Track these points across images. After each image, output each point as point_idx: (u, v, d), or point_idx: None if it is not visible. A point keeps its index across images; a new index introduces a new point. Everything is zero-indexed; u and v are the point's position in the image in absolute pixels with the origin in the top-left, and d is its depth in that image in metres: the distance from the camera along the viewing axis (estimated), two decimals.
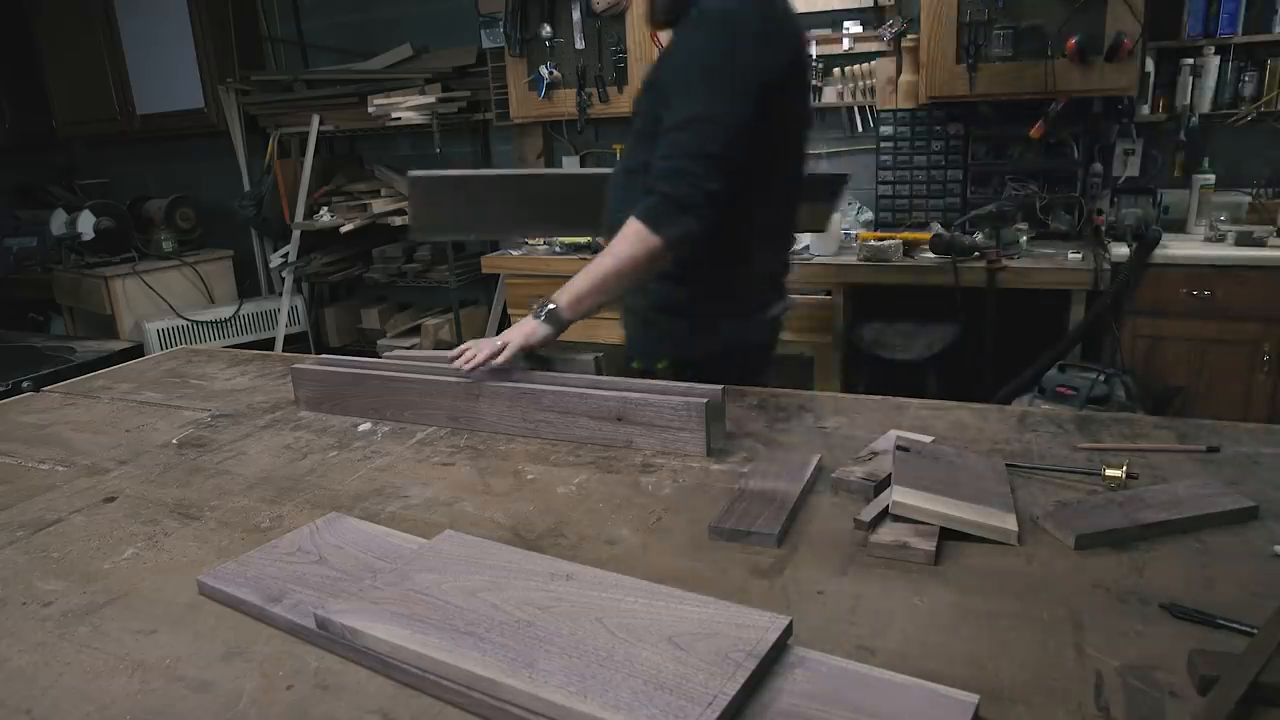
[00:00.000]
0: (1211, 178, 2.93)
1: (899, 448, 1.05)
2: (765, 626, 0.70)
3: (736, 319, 1.56)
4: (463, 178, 2.05)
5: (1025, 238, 2.89)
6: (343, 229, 3.85)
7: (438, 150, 3.73)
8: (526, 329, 1.36)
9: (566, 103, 3.52)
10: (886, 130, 3.30)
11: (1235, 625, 0.72)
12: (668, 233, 1.34)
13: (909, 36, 3.14)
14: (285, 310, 4.24)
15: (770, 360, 1.69)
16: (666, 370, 1.52)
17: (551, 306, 1.36)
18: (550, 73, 3.49)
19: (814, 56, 3.35)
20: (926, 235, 2.91)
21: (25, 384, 1.75)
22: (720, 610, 0.73)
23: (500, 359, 1.32)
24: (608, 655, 0.67)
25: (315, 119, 3.94)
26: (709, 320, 1.54)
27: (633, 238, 1.36)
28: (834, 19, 3.35)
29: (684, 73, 1.39)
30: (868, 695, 0.64)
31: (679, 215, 1.34)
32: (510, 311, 3.42)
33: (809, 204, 1.80)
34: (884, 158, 3.33)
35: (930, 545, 0.88)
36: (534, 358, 1.38)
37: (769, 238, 1.60)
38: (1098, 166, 3.06)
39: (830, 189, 2.24)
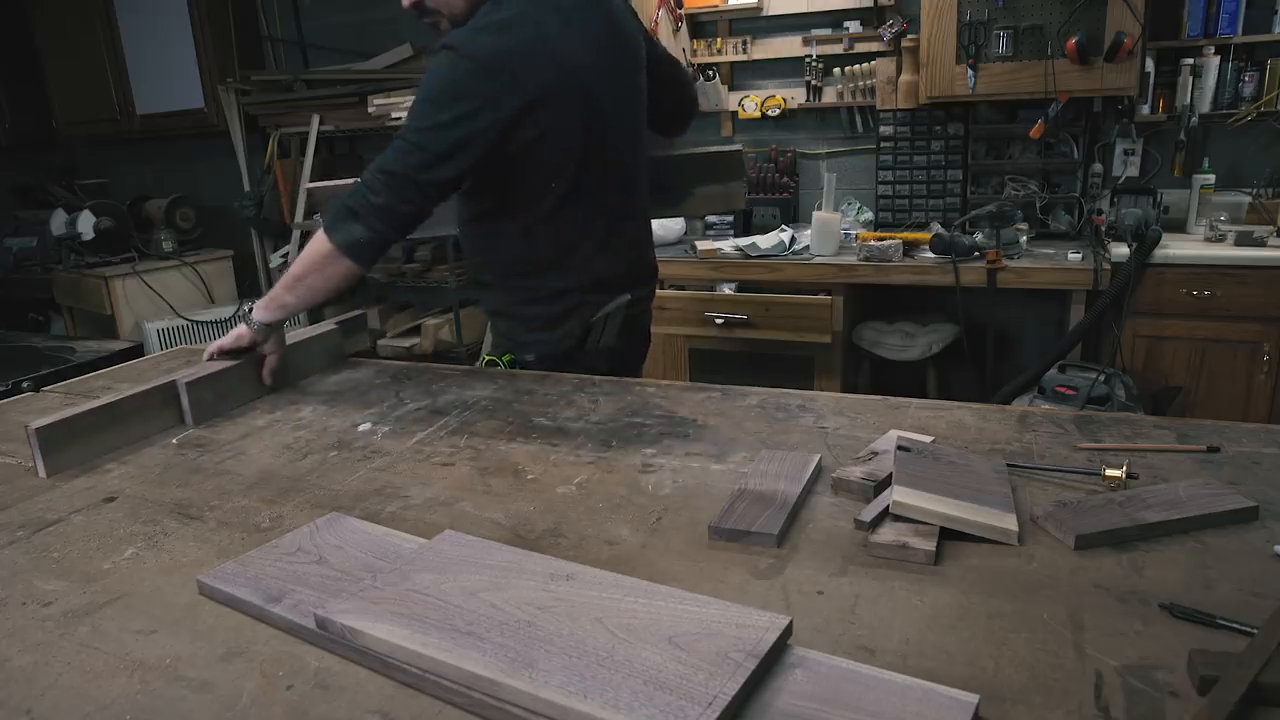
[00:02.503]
0: (1211, 178, 2.94)
1: (900, 448, 1.05)
2: (765, 627, 0.70)
3: (560, 321, 1.64)
4: None
5: (1025, 238, 2.90)
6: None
7: None
8: (233, 333, 1.51)
9: None
10: (886, 130, 3.30)
11: (1235, 625, 0.72)
12: (335, 237, 1.41)
13: (909, 36, 3.14)
14: None
15: (626, 354, 1.79)
16: (510, 364, 1.66)
17: (247, 310, 1.45)
18: None
19: (814, 55, 3.35)
20: (926, 235, 2.91)
21: (25, 384, 1.75)
22: (720, 610, 0.73)
23: (204, 357, 1.50)
24: (608, 655, 0.67)
25: (315, 119, 3.94)
26: (533, 322, 1.65)
27: (316, 239, 1.44)
28: (834, 19, 3.36)
29: (417, 99, 1.45)
30: (868, 695, 0.64)
31: (346, 221, 1.41)
32: None
33: (719, 185, 1.82)
34: (884, 158, 3.34)
35: (930, 545, 0.88)
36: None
37: (588, 241, 1.63)
38: (1098, 166, 3.07)
39: (731, 166, 2.23)
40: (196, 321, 4.17)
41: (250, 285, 4.63)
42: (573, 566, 0.82)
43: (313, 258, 1.44)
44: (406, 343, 4.06)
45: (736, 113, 3.57)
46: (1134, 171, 3.07)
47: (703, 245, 3.10)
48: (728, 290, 3.05)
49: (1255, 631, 0.71)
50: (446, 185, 1.44)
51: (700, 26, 3.58)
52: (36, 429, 1.19)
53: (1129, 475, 1.00)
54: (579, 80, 1.50)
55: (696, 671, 0.65)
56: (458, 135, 1.40)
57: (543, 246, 1.61)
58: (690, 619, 0.72)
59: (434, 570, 0.81)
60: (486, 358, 1.69)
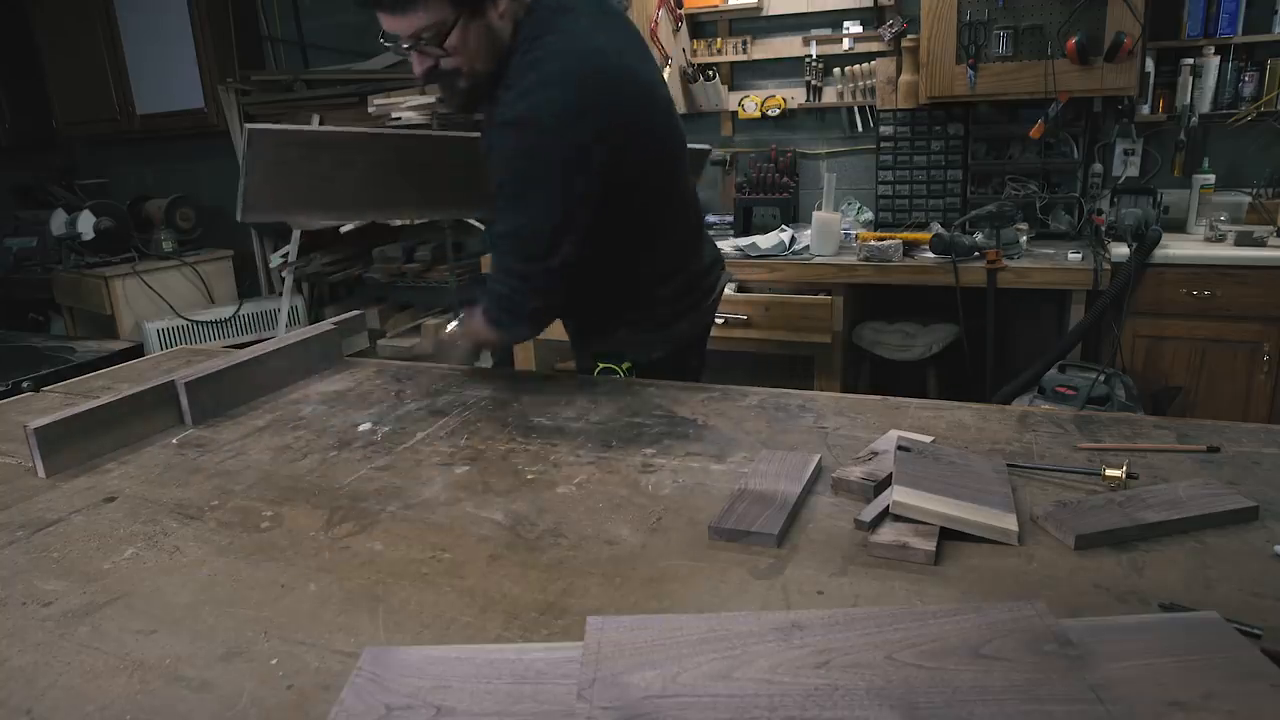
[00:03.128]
0: (1211, 178, 2.94)
1: (900, 448, 1.05)
2: (1023, 611, 0.70)
3: (691, 309, 1.66)
4: (320, 135, 1.60)
5: (1025, 238, 2.90)
6: (343, 229, 3.85)
7: None
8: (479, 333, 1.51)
9: None
10: (886, 130, 3.30)
11: (1237, 626, 0.72)
12: (505, 335, 1.54)
13: (909, 36, 3.14)
14: (285, 310, 4.24)
15: (708, 332, 1.82)
16: (630, 371, 1.62)
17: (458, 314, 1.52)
18: None
19: (814, 55, 3.36)
20: (926, 235, 2.91)
21: (25, 384, 1.75)
22: (975, 610, 0.71)
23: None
24: (957, 687, 0.63)
25: (315, 119, 3.94)
26: (662, 320, 1.62)
27: (485, 328, 1.48)
28: (834, 19, 3.35)
29: (502, 185, 1.32)
30: None
31: (512, 325, 1.48)
32: None
33: None
34: (884, 158, 3.34)
35: (930, 545, 0.88)
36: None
37: (683, 245, 1.65)
38: (1098, 166, 3.07)
39: (695, 164, 2.21)
40: (196, 321, 4.17)
41: (250, 285, 4.63)
42: (792, 615, 0.74)
43: (486, 340, 1.57)
44: (406, 343, 4.06)
45: (736, 113, 3.57)
46: (1134, 171, 3.07)
47: None
48: (728, 290, 3.05)
49: (1258, 632, 0.71)
50: (576, 258, 1.37)
51: (700, 26, 3.58)
52: (36, 429, 1.19)
53: (1129, 475, 1.00)
54: (636, 81, 1.41)
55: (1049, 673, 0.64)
56: (568, 207, 1.31)
57: (663, 257, 1.58)
58: (968, 625, 0.69)
59: (648, 667, 0.67)
60: (601, 365, 1.63)
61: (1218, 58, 2.87)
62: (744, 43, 3.47)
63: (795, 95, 3.47)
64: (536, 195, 1.29)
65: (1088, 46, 2.72)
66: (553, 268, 1.34)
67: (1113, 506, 0.93)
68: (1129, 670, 0.64)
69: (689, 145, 1.70)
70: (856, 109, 3.41)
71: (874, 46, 3.28)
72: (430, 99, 3.66)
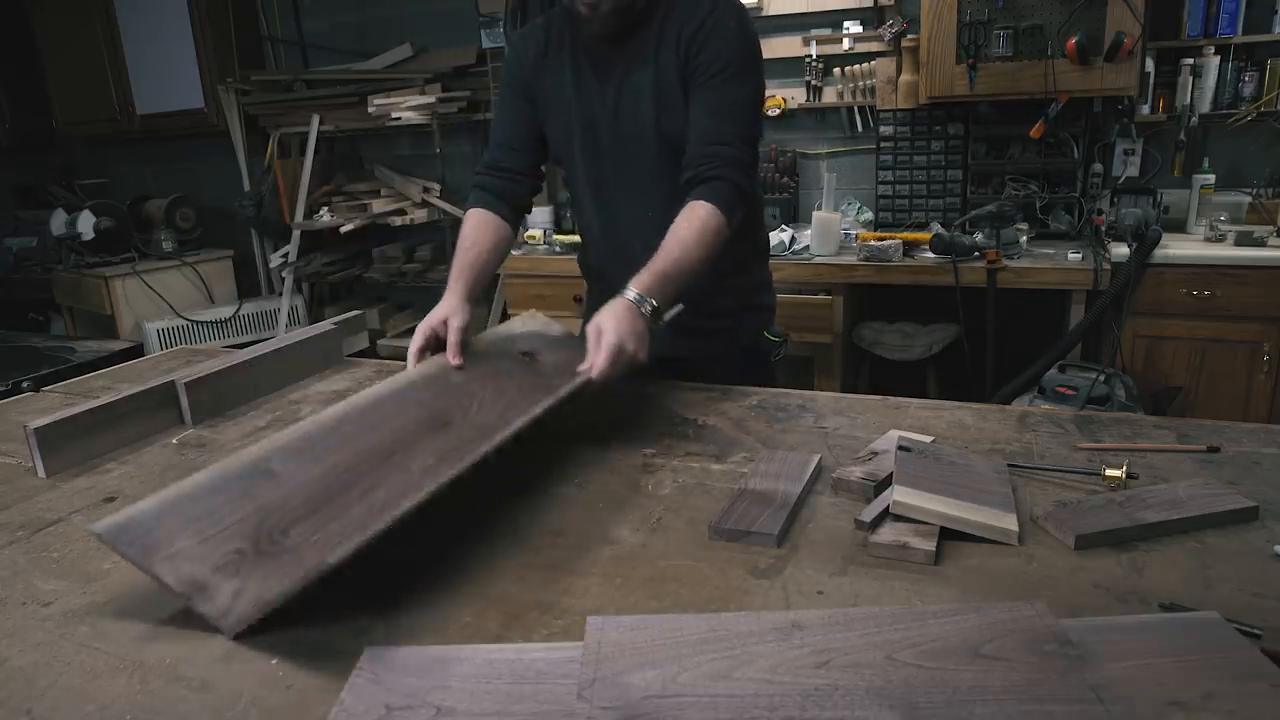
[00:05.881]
0: (1211, 178, 2.93)
1: (900, 448, 1.05)
2: (1031, 613, 0.70)
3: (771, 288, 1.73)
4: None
5: (1025, 238, 2.89)
6: (342, 229, 3.85)
7: (438, 150, 3.73)
8: (638, 334, 1.22)
9: None
10: (886, 130, 3.30)
11: (1236, 625, 0.72)
12: (733, 222, 1.37)
13: (909, 36, 3.14)
14: (285, 310, 4.24)
15: None
16: (782, 342, 1.67)
17: (654, 304, 1.25)
18: None
19: (814, 55, 3.37)
20: (926, 235, 2.91)
21: (25, 384, 1.75)
22: (975, 610, 0.72)
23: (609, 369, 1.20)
24: (956, 688, 0.63)
25: (315, 119, 3.94)
26: (767, 299, 1.71)
27: (719, 231, 1.33)
28: (834, 19, 3.35)
29: (730, 60, 1.38)
30: None
31: (740, 204, 1.38)
32: (510, 311, 3.41)
33: None
34: (884, 158, 3.33)
35: (930, 545, 0.88)
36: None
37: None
38: (1098, 166, 3.06)
39: None
40: (196, 321, 4.17)
41: (250, 285, 4.63)
42: (791, 615, 0.74)
43: (716, 249, 1.33)
44: (406, 342, 4.06)
45: None
46: (1134, 171, 3.07)
47: None
48: None
49: (1258, 632, 0.71)
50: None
51: None
52: (36, 429, 1.19)
53: (1129, 475, 1.00)
54: None
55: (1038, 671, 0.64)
56: (763, 84, 1.49)
57: (760, 223, 1.69)
58: (965, 625, 0.69)
59: (648, 667, 0.67)
60: (776, 340, 1.67)
61: (1218, 58, 2.87)
62: None
63: (795, 95, 3.47)
64: (755, 67, 1.43)
65: (1088, 46, 2.72)
66: (760, 137, 1.46)
67: (1113, 506, 0.94)
68: (1129, 670, 0.64)
69: None
70: (856, 109, 3.41)
71: (874, 46, 3.28)
72: (430, 99, 3.66)
